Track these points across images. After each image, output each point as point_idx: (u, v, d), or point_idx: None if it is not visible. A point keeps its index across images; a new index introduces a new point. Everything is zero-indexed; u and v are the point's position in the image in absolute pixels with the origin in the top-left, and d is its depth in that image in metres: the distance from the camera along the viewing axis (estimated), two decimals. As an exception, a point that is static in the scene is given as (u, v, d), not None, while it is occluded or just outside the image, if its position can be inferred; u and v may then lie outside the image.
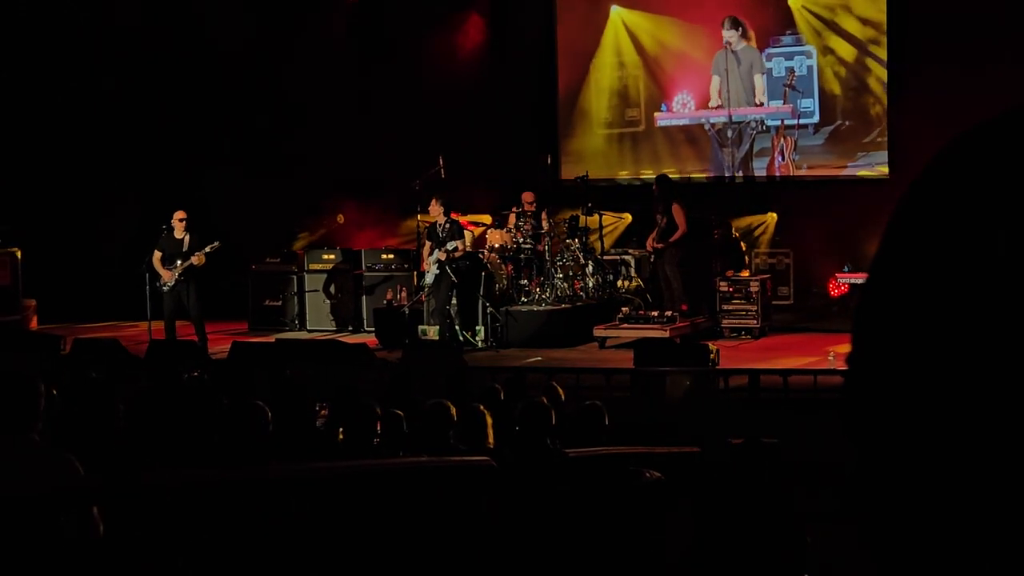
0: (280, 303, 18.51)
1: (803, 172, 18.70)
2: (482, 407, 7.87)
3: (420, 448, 7.39)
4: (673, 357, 13.59)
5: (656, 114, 19.61)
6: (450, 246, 16.06)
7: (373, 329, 17.16)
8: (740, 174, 19.09)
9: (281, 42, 19.82)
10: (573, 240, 17.08)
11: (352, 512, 6.19)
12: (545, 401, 7.60)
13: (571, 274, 16.92)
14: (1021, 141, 1.06)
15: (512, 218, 17.12)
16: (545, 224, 17.05)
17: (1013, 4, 16.60)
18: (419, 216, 17.37)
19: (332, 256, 18.49)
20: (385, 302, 17.27)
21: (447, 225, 16.21)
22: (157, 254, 15.87)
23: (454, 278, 16.11)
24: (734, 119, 19.07)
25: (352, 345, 14.65)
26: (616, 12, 19.77)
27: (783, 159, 18.82)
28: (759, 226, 18.66)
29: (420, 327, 16.17)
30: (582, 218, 17.36)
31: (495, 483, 6.61)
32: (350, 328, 17.97)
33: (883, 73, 18.04)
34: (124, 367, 12.56)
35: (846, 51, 18.34)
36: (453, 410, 7.70)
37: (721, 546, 6.27)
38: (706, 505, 6.54)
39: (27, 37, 19.55)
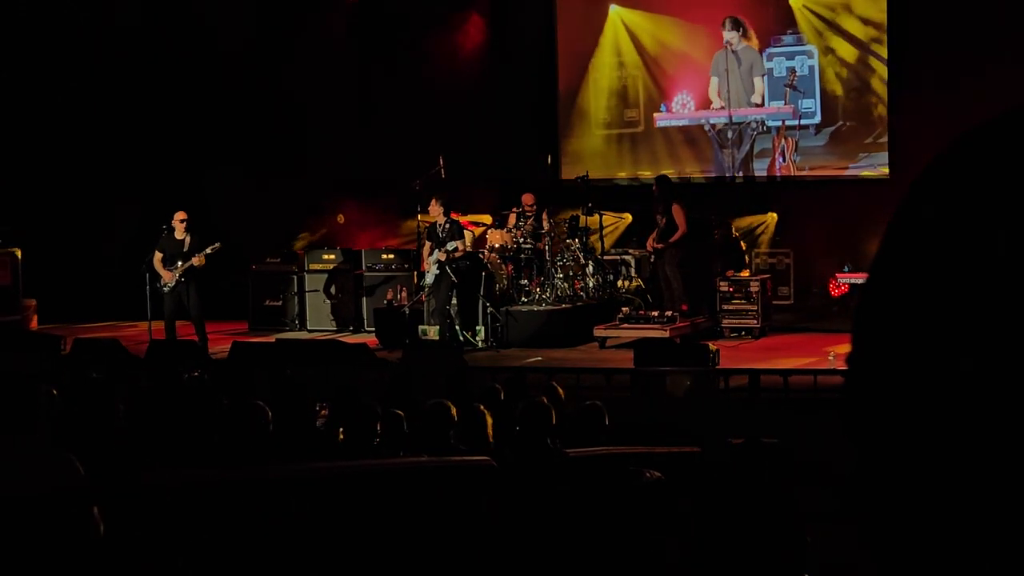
0: (280, 303, 18.51)
1: (804, 174, 18.65)
2: (482, 407, 7.87)
3: (420, 448, 7.40)
4: (673, 357, 13.59)
5: (655, 115, 19.52)
6: (450, 246, 16.06)
7: (373, 329, 17.16)
8: (740, 175, 19.05)
9: (281, 42, 19.82)
10: (573, 240, 17.08)
11: (352, 512, 6.19)
12: (545, 401, 7.60)
13: (571, 274, 16.92)
14: (1021, 142, 1.06)
15: (512, 218, 17.12)
16: (545, 224, 17.05)
17: (1014, 4, 16.59)
18: (419, 216, 17.37)
19: (332, 256, 18.49)
20: (385, 302, 17.27)
21: (447, 225, 16.21)
22: (158, 255, 15.87)
23: (454, 278, 16.11)
24: (734, 120, 18.99)
25: (352, 345, 14.65)
26: (615, 11, 19.69)
27: (784, 160, 18.75)
28: (759, 226, 18.65)
29: (420, 327, 16.17)
30: (582, 218, 17.36)
31: (495, 483, 6.62)
32: (350, 328, 17.97)
33: (885, 73, 18.00)
34: (124, 367, 12.55)
35: (848, 51, 18.25)
36: (453, 410, 7.71)
37: (721, 546, 6.27)
38: (706, 505, 6.54)
39: (27, 37, 19.54)
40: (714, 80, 19.03)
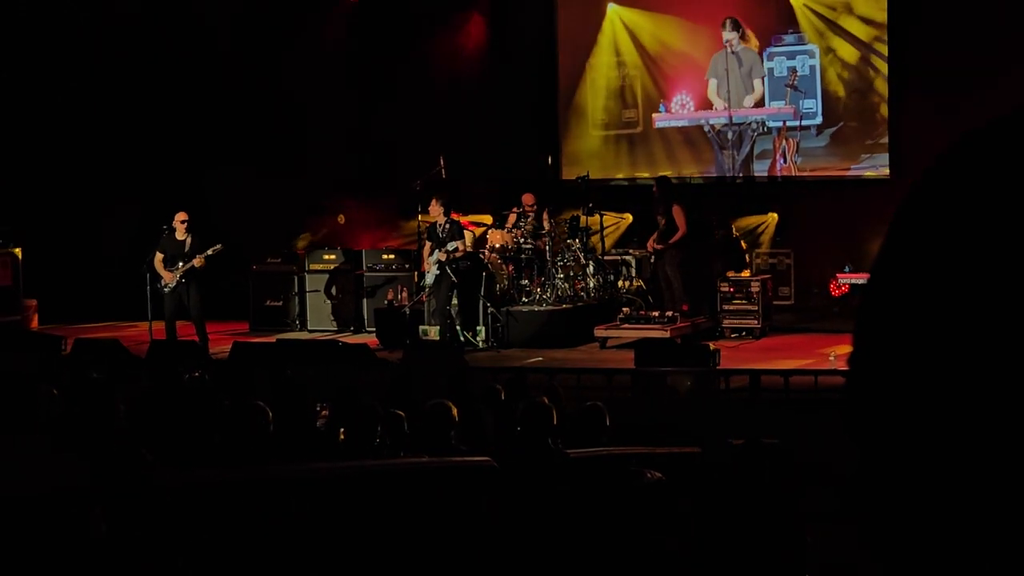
0: (281, 303, 18.50)
1: (806, 175, 18.58)
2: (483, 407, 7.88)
3: (421, 448, 7.39)
4: (674, 357, 13.59)
5: (654, 115, 19.42)
6: (451, 246, 16.05)
7: (374, 329, 17.15)
8: (741, 175, 19.00)
9: (282, 42, 19.82)
10: (574, 240, 17.07)
11: (353, 512, 6.19)
12: (546, 401, 7.60)
13: (572, 274, 16.92)
14: (1022, 143, 1.06)
15: (512, 218, 17.11)
16: (546, 224, 17.04)
17: (1015, 4, 16.58)
18: (420, 216, 17.36)
19: (333, 256, 18.49)
20: (386, 302, 17.26)
21: (447, 225, 16.21)
22: (159, 255, 15.87)
23: (454, 278, 16.11)
24: (734, 120, 18.92)
25: (353, 346, 14.64)
26: (613, 10, 19.58)
27: (785, 161, 18.64)
28: (760, 226, 18.63)
29: (421, 327, 16.17)
30: (583, 218, 17.35)
31: (496, 483, 6.62)
32: (351, 328, 17.96)
33: (888, 73, 17.94)
34: (125, 367, 12.56)
35: (849, 51, 18.12)
36: (454, 410, 7.71)
37: (721, 546, 6.26)
38: (707, 505, 6.54)
39: (27, 37, 19.54)
40: (712, 81, 18.93)
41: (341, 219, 20.16)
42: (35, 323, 18.64)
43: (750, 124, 18.84)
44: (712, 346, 13.85)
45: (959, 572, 1.03)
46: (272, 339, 15.86)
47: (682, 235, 16.55)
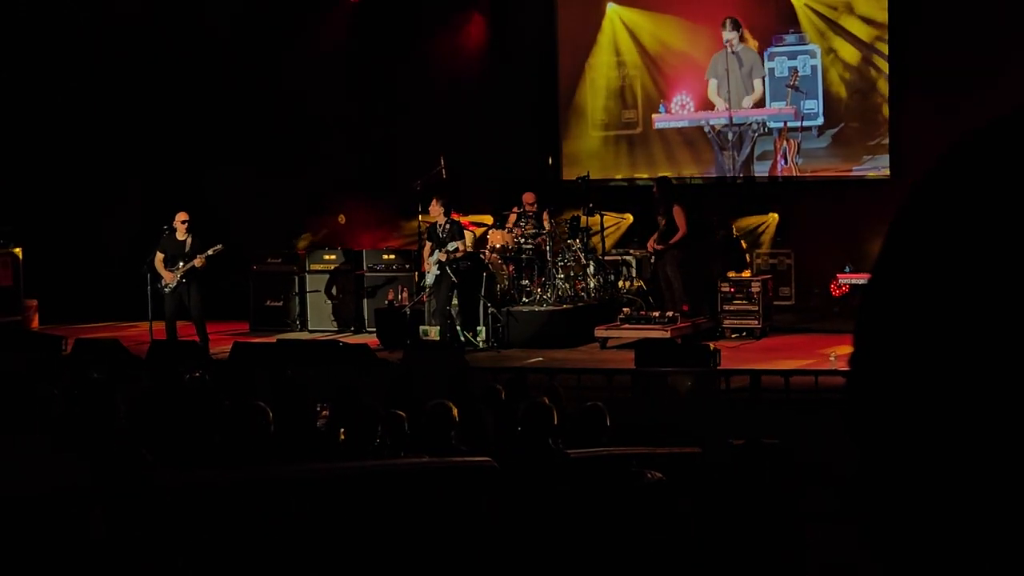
0: (281, 304, 18.50)
1: (807, 176, 18.51)
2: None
3: (422, 448, 7.39)
4: (674, 358, 13.58)
5: (654, 116, 19.35)
6: (451, 247, 16.05)
7: (374, 330, 17.15)
8: (741, 176, 18.95)
9: (282, 42, 19.82)
10: (574, 240, 17.06)
11: (354, 513, 6.19)
12: (547, 401, 7.59)
13: (572, 274, 16.91)
14: (1022, 144, 1.06)
15: (513, 218, 17.11)
16: (546, 224, 17.04)
17: (1017, 4, 16.57)
18: (420, 217, 17.36)
19: (333, 256, 18.49)
20: (386, 302, 17.27)
21: (447, 226, 16.21)
22: (159, 255, 15.88)
23: (454, 279, 16.11)
24: (735, 121, 18.85)
25: (353, 346, 14.62)
26: (612, 9, 19.51)
27: (786, 163, 18.56)
28: (760, 226, 18.62)
29: (421, 327, 16.17)
30: (583, 218, 17.34)
31: (496, 483, 6.61)
32: (352, 329, 17.97)
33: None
34: (125, 367, 12.56)
35: (851, 51, 18.01)
36: (455, 411, 7.71)
37: (721, 546, 6.26)
38: (707, 506, 6.54)
39: (27, 37, 19.54)
40: (713, 82, 18.86)
41: (341, 219, 20.17)
42: (35, 323, 18.64)
43: (751, 125, 18.76)
44: (712, 346, 13.84)
45: (959, 572, 1.03)
46: (272, 339, 15.86)
47: (682, 235, 16.54)
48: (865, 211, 16.23)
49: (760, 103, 18.63)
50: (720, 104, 18.84)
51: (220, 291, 16.94)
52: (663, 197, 16.77)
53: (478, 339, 16.21)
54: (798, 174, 18.53)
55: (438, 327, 15.98)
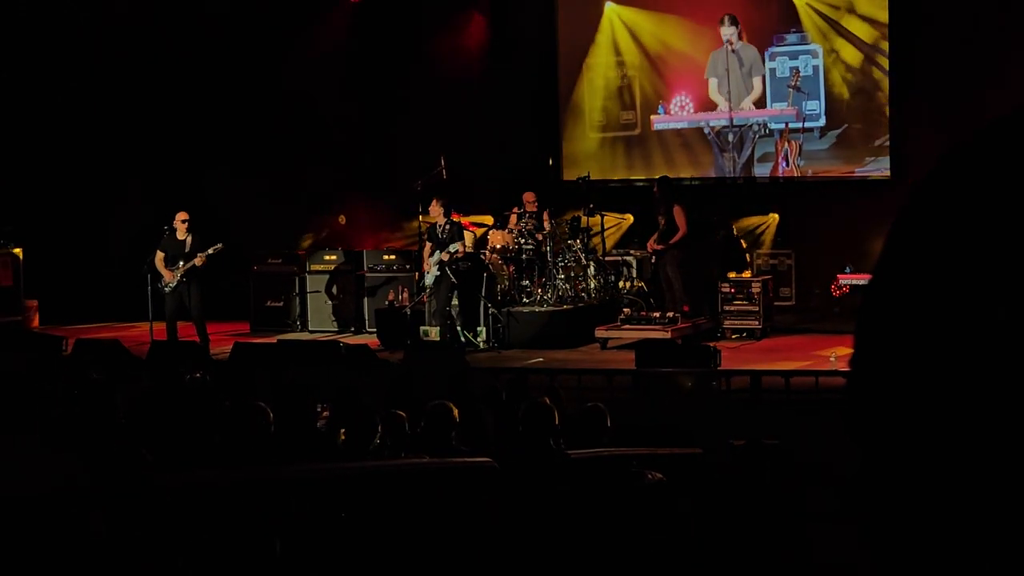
0: (282, 304, 18.50)
1: (808, 177, 18.43)
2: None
3: (422, 449, 7.39)
4: (675, 358, 13.58)
5: (653, 117, 19.29)
6: (452, 248, 16.05)
7: (375, 330, 17.16)
8: (741, 176, 18.89)
9: (283, 42, 19.82)
10: (575, 241, 17.06)
11: (354, 513, 6.19)
12: (548, 402, 7.59)
13: (573, 275, 16.90)
14: (1021, 146, 1.06)
15: (514, 219, 17.11)
16: (547, 225, 17.03)
17: (1016, 5, 16.57)
18: (420, 217, 17.36)
19: (334, 257, 18.49)
20: (387, 303, 17.27)
21: (447, 226, 16.21)
22: (159, 255, 15.89)
23: (453, 279, 16.11)
24: (735, 122, 18.77)
25: (354, 349, 14.60)
26: (611, 9, 19.43)
27: (787, 164, 18.45)
28: (761, 227, 18.61)
29: (422, 328, 16.17)
30: (584, 219, 17.33)
31: (497, 484, 6.61)
32: (352, 329, 17.97)
33: (892, 73, 17.82)
34: (125, 368, 12.57)
35: (853, 51, 17.90)
36: (455, 411, 7.71)
37: (722, 546, 6.26)
38: (708, 506, 6.54)
39: (27, 37, 19.55)
40: (713, 81, 18.78)
41: (342, 219, 20.17)
42: (36, 323, 18.65)
43: (751, 126, 18.65)
44: (713, 347, 13.84)
45: (959, 572, 1.03)
46: (273, 340, 15.87)
47: (682, 235, 16.53)
48: (865, 211, 16.22)
49: (760, 102, 18.52)
50: (721, 102, 18.74)
51: (220, 291, 16.94)
52: (663, 197, 16.76)
53: (478, 339, 16.21)
54: (799, 176, 18.45)
55: (438, 327, 15.98)
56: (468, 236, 17.18)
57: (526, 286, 16.76)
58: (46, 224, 19.39)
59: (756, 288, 16.45)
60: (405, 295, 17.23)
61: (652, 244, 16.79)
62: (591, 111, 19.70)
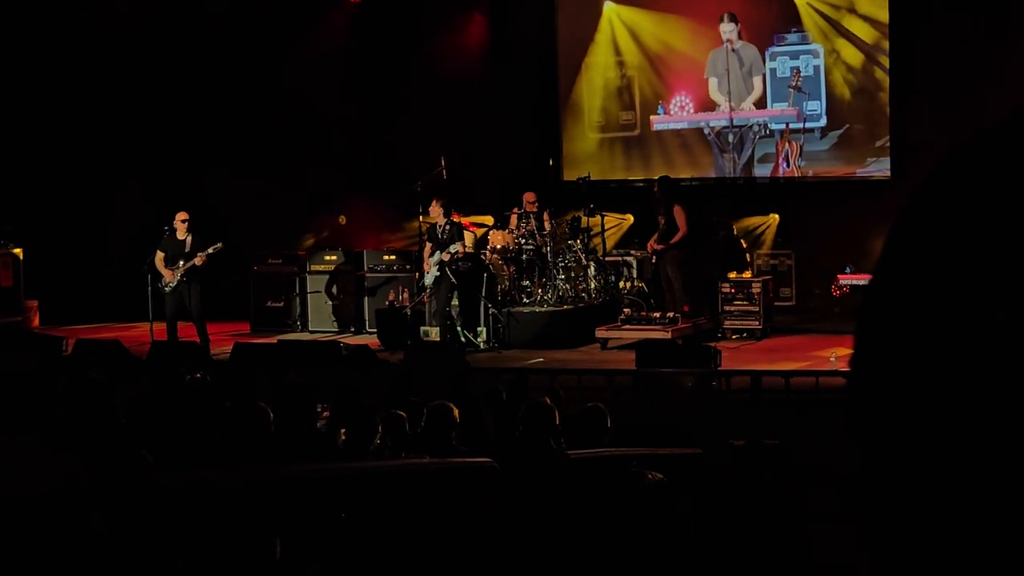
0: (282, 304, 18.50)
1: (809, 178, 18.38)
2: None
3: (422, 449, 7.40)
4: (675, 358, 13.58)
5: (652, 118, 19.25)
6: (452, 249, 16.06)
7: (375, 330, 17.16)
8: (742, 177, 18.85)
9: (282, 42, 19.83)
10: (575, 241, 17.05)
11: (354, 513, 6.19)
12: (548, 402, 7.59)
13: (573, 275, 16.90)
14: (1021, 147, 1.06)
15: (514, 219, 17.10)
16: (547, 225, 17.03)
17: (1016, 5, 16.56)
18: (420, 217, 17.35)
19: (334, 257, 18.49)
20: (387, 303, 17.27)
21: (447, 227, 16.21)
22: (159, 255, 15.90)
23: (453, 279, 16.11)
24: (735, 122, 18.73)
25: (355, 350, 14.59)
26: (610, 8, 19.36)
27: (788, 165, 18.39)
28: (761, 227, 18.60)
29: (422, 328, 16.17)
30: (584, 219, 17.33)
31: (497, 484, 6.61)
32: (352, 329, 17.97)
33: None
34: (126, 368, 12.57)
35: (855, 51, 17.84)
36: (455, 411, 7.71)
37: (722, 546, 6.26)
38: (708, 506, 6.54)
39: (27, 37, 19.55)
40: (713, 80, 18.74)
41: (342, 220, 20.17)
42: (36, 324, 18.65)
43: (751, 126, 18.61)
44: (713, 347, 13.84)
45: (959, 572, 1.03)
46: (273, 340, 15.87)
47: (683, 235, 16.52)
48: (866, 211, 16.22)
49: (760, 102, 18.47)
50: (722, 102, 18.68)
51: (221, 291, 16.95)
52: (664, 196, 16.74)
53: (479, 340, 16.21)
54: (800, 176, 18.41)
55: (439, 328, 15.98)
56: (468, 236, 17.18)
57: (526, 286, 16.76)
58: (46, 224, 19.39)
59: (756, 288, 16.45)
60: (405, 295, 17.22)
61: (652, 244, 16.79)
62: (590, 111, 19.67)
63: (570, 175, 18.87)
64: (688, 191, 17.73)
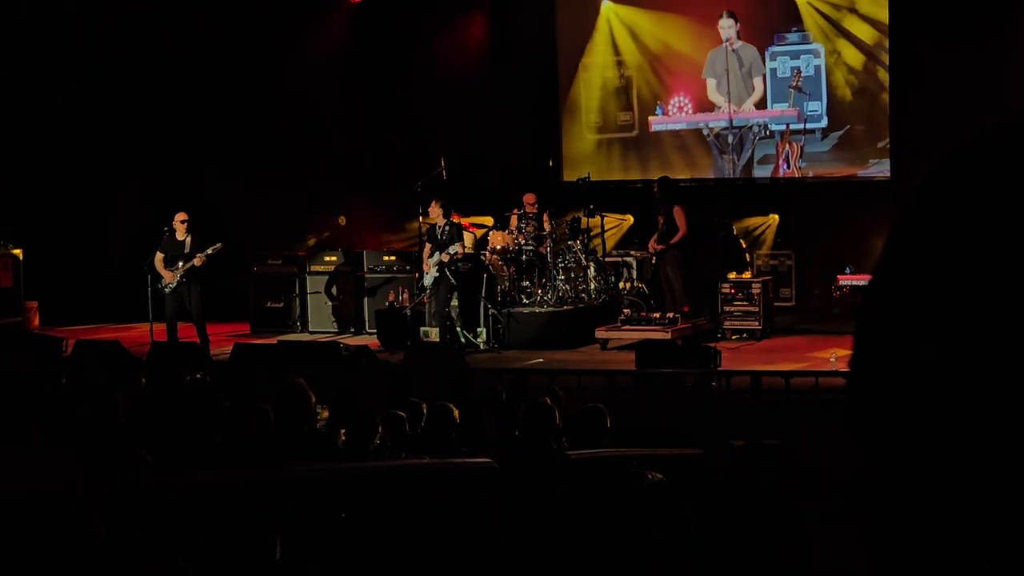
0: (282, 305, 18.50)
1: (809, 178, 18.34)
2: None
3: (422, 449, 7.40)
4: (675, 359, 13.58)
5: (651, 118, 19.21)
6: (451, 249, 16.06)
7: (375, 331, 17.15)
8: (742, 177, 18.82)
9: (282, 42, 19.83)
10: (575, 241, 17.05)
11: (354, 513, 6.19)
12: (548, 402, 7.59)
13: (573, 276, 16.90)
14: (1020, 148, 1.06)
15: (514, 220, 17.10)
16: (547, 225, 17.03)
17: (1018, 5, 16.56)
18: (420, 218, 17.35)
19: (334, 258, 18.49)
20: (387, 304, 17.27)
21: (446, 227, 16.21)
22: (159, 256, 15.90)
23: (452, 280, 16.11)
24: (735, 123, 18.69)
25: (355, 351, 14.58)
26: (608, 7, 19.31)
27: (788, 167, 18.34)
28: (761, 227, 18.60)
29: (422, 329, 16.17)
30: (584, 219, 17.33)
31: (497, 484, 6.61)
32: (352, 330, 17.97)
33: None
34: (125, 369, 12.55)
35: (855, 51, 17.78)
36: (455, 412, 7.71)
37: (722, 547, 6.26)
38: (708, 506, 6.54)
39: (27, 37, 19.55)
40: (711, 81, 18.68)
41: (342, 220, 20.17)
42: (36, 324, 18.65)
43: (751, 127, 18.56)
44: (713, 347, 13.83)
45: (959, 572, 1.03)
46: (273, 340, 15.87)
47: (682, 236, 16.51)
48: (866, 212, 16.22)
49: (760, 103, 18.43)
50: (721, 102, 18.64)
51: (220, 292, 16.95)
52: (664, 197, 16.73)
53: (479, 340, 16.21)
54: (800, 178, 18.37)
55: (438, 328, 15.98)
56: (468, 237, 17.18)
57: (526, 287, 16.75)
58: (46, 224, 19.39)
59: (756, 289, 16.44)
60: (405, 296, 17.22)
61: (652, 244, 16.78)
62: (587, 112, 19.64)
63: (570, 176, 18.87)
64: (688, 191, 17.72)
